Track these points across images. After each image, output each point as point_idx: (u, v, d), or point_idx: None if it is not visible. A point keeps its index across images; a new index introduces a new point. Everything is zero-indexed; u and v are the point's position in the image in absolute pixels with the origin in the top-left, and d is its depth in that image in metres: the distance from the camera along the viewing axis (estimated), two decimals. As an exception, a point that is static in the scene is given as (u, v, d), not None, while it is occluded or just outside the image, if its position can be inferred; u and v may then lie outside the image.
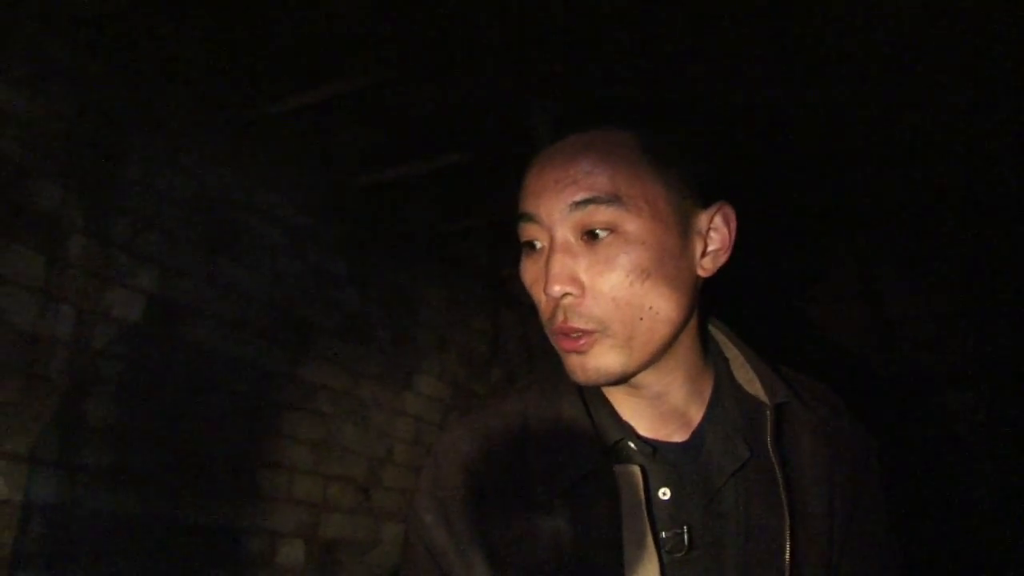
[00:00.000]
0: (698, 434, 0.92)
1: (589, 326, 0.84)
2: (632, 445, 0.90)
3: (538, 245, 0.88)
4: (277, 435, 2.71)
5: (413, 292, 3.44)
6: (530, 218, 0.87)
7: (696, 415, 0.93)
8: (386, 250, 3.31)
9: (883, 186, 3.53)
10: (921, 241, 3.92)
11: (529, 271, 0.89)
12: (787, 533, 0.87)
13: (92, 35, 2.31)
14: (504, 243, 3.69)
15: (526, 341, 4.12)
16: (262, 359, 2.70)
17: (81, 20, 2.27)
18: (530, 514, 0.88)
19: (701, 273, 0.89)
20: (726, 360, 0.97)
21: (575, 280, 0.84)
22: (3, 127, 2.07)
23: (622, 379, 0.88)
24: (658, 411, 0.92)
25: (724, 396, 0.94)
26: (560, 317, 0.85)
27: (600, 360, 0.85)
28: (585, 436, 0.90)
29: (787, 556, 0.87)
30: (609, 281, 0.84)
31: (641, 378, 0.90)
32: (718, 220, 0.89)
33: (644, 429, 0.92)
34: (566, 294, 0.84)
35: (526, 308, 4.14)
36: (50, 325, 2.11)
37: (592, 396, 0.94)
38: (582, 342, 0.85)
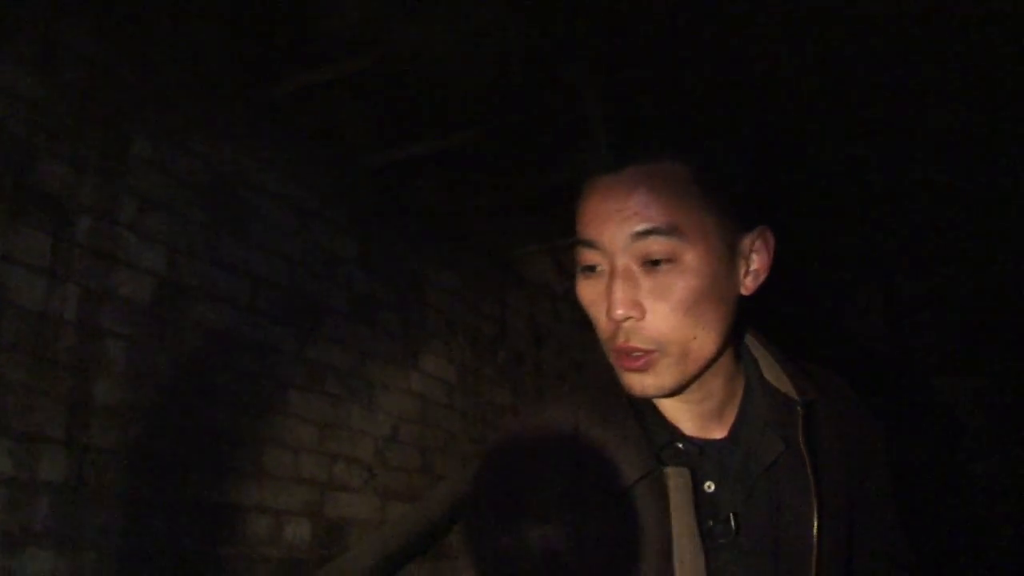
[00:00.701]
0: (735, 430, 1.03)
1: (648, 346, 0.93)
2: (680, 446, 1.00)
3: (598, 269, 0.95)
4: (284, 414, 2.72)
5: (421, 273, 3.44)
6: (591, 244, 0.95)
7: (731, 413, 1.04)
8: (395, 231, 3.31)
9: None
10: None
11: (588, 292, 0.97)
12: (815, 516, 0.98)
13: (101, 14, 2.30)
14: (514, 224, 3.68)
15: (533, 322, 4.12)
16: (270, 339, 2.71)
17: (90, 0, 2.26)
18: (585, 514, 0.96)
19: (743, 292, 0.98)
20: (755, 360, 1.07)
21: (636, 305, 0.92)
22: (11, 107, 2.07)
23: (675, 393, 0.97)
24: (699, 412, 1.02)
25: (756, 394, 1.04)
26: (621, 338, 0.94)
27: (657, 378, 0.95)
28: (638, 441, 0.98)
29: (815, 534, 0.98)
30: (667, 306, 0.92)
31: (689, 387, 0.99)
32: (759, 243, 0.98)
33: (688, 429, 1.02)
34: (628, 317, 0.92)
35: (534, 289, 4.14)
36: (57, 305, 2.12)
37: (640, 401, 1.01)
38: (642, 362, 0.94)
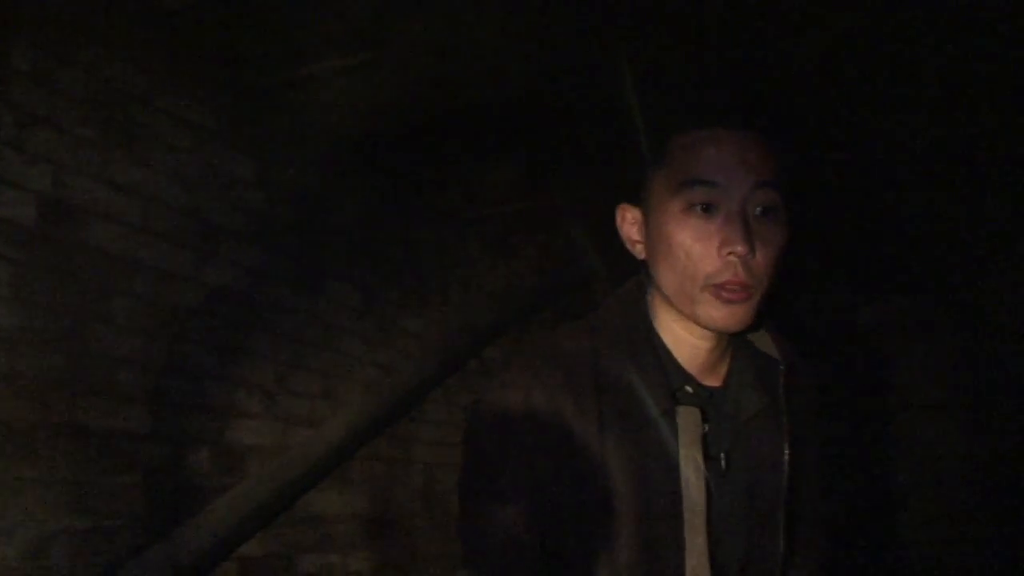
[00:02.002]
0: (727, 382, 1.17)
1: (752, 282, 1.05)
2: (690, 389, 1.13)
3: (713, 208, 1.05)
4: (181, 339, 2.65)
5: (323, 196, 3.37)
6: (712, 184, 1.05)
7: (723, 367, 1.17)
8: (295, 152, 3.22)
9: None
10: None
11: (697, 228, 1.06)
12: (787, 466, 1.14)
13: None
14: (425, 148, 3.61)
15: (440, 246, 4.10)
16: (165, 262, 2.62)
17: None
18: (604, 442, 1.06)
19: None
20: None
21: (754, 245, 1.04)
22: None
23: (736, 330, 1.09)
24: (708, 360, 1.15)
25: (741, 353, 1.18)
26: (729, 273, 1.04)
27: (746, 313, 1.06)
28: (660, 379, 1.10)
29: (785, 483, 1.14)
30: (771, 251, 1.06)
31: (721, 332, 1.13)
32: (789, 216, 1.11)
33: (695, 375, 1.15)
34: (746, 255, 1.03)
35: (443, 215, 4.10)
36: (-67, 227, 2.00)
37: (658, 344, 1.14)
38: (743, 295, 1.05)
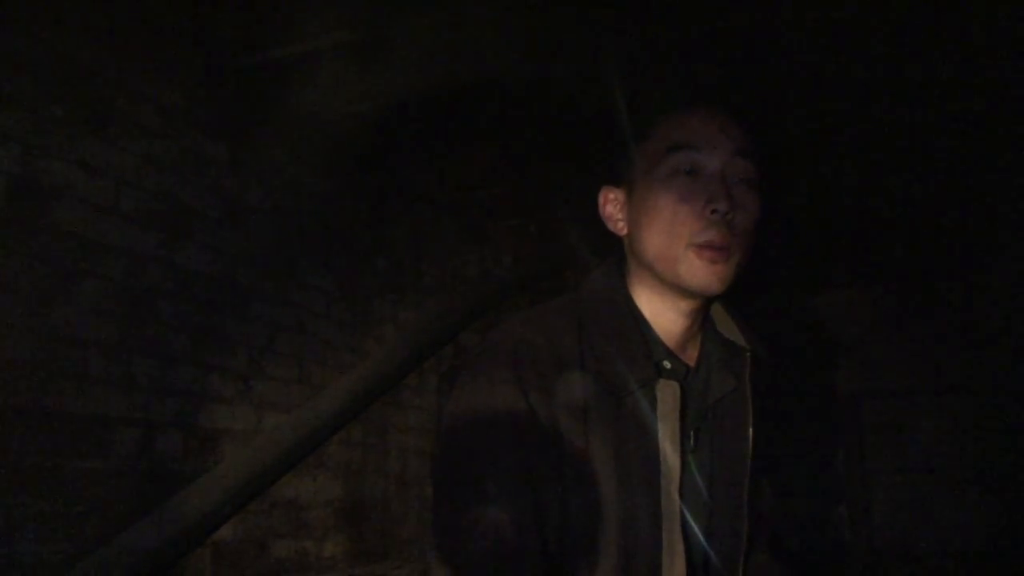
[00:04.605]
0: (699, 363, 1.22)
1: (732, 242, 1.11)
2: (668, 364, 1.17)
3: (696, 171, 1.13)
4: (152, 323, 2.62)
5: (296, 178, 3.33)
6: (696, 148, 1.13)
7: (694, 349, 1.23)
8: (269, 134, 3.18)
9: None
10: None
11: (682, 189, 1.12)
12: (751, 440, 1.20)
13: None
14: (393, 131, 3.59)
15: (415, 233, 4.08)
16: (136, 244, 2.59)
17: None
18: (588, 421, 1.09)
19: None
20: (711, 315, 1.27)
21: (735, 206, 1.11)
22: None
23: (717, 293, 1.15)
24: (680, 338, 1.20)
25: (710, 338, 1.24)
26: (714, 232, 1.10)
27: (728, 272, 1.12)
28: (639, 353, 1.14)
29: (749, 462, 1.20)
30: (748, 215, 1.13)
31: (703, 303, 1.19)
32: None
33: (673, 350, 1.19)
34: (727, 213, 1.10)
35: (415, 197, 4.08)
36: None
37: (639, 318, 1.18)
38: (725, 254, 1.11)
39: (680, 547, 1.11)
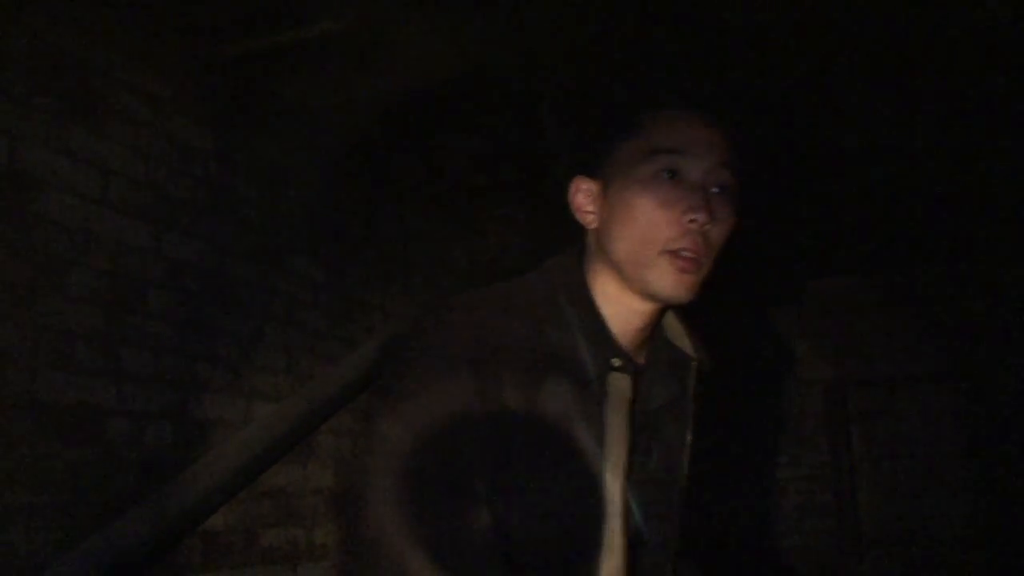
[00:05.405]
0: (647, 366, 1.22)
1: (705, 254, 1.11)
2: (617, 362, 1.13)
3: (678, 176, 1.11)
4: (141, 313, 2.62)
5: (284, 168, 3.33)
6: (681, 153, 1.12)
7: (642, 355, 1.22)
8: (256, 125, 3.17)
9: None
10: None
11: (663, 193, 1.11)
12: (688, 447, 1.24)
13: None
14: (384, 120, 3.58)
15: (403, 223, 4.08)
16: (124, 235, 2.58)
17: None
18: (540, 398, 1.07)
19: None
20: (660, 322, 1.26)
21: (713, 218, 1.10)
22: None
23: (684, 302, 1.14)
24: (632, 339, 1.18)
25: (658, 344, 1.24)
26: (689, 240, 1.10)
27: (696, 283, 1.12)
28: (594, 346, 1.13)
29: (684, 468, 1.23)
30: (723, 227, 1.13)
31: (661, 309, 1.19)
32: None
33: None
34: (705, 224, 1.09)
35: (403, 189, 4.08)
36: None
37: (596, 314, 1.16)
38: (698, 264, 1.11)
39: (620, 540, 1.09)
